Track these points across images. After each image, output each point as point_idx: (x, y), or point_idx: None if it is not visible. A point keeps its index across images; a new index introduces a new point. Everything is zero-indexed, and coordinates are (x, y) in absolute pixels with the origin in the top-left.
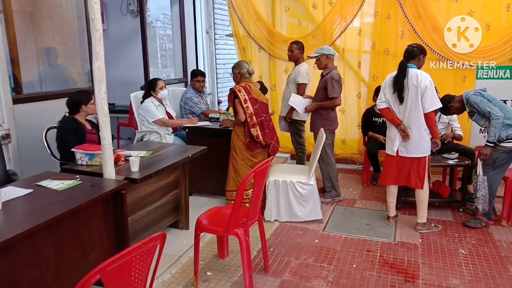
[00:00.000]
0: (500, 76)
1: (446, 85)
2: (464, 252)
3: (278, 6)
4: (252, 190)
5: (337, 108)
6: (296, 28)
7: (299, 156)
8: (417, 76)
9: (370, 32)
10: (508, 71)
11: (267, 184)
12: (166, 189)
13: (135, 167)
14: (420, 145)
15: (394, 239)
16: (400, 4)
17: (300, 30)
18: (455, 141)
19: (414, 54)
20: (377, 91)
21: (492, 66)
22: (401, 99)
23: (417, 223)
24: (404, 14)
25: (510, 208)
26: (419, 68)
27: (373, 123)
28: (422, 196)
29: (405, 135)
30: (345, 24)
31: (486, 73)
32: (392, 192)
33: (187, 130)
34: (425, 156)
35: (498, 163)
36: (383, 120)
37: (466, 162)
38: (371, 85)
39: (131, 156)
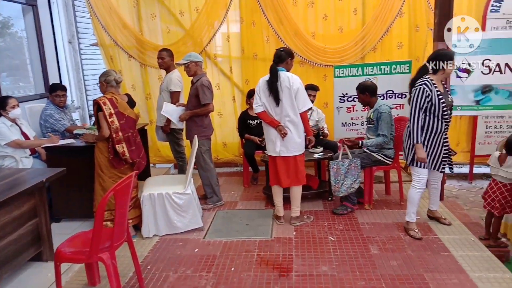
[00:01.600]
0: (353, 74)
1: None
2: (333, 239)
3: (144, 13)
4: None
5: (215, 113)
6: (165, 35)
7: (180, 165)
8: (289, 78)
9: (238, 38)
10: (360, 69)
11: (141, 199)
12: (22, 219)
13: None
14: (299, 143)
15: (271, 235)
16: (262, 10)
17: (170, 37)
18: (321, 137)
19: (282, 58)
20: (249, 94)
21: (346, 65)
22: (277, 101)
23: (291, 217)
24: (267, 20)
25: (370, 192)
26: (288, 70)
27: (248, 125)
28: (297, 192)
29: (284, 134)
30: (213, 30)
31: (342, 72)
32: (279, 192)
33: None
34: (303, 153)
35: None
36: (257, 122)
37: (329, 154)
38: (245, 89)
39: None
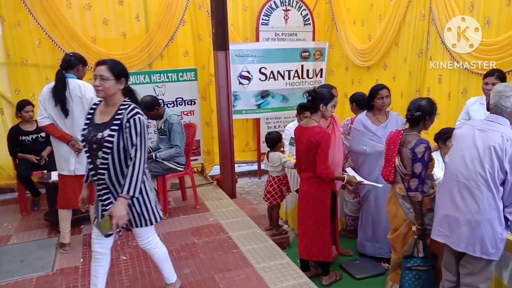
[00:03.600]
0: (141, 82)
1: None
2: (125, 258)
3: None
4: None
5: None
6: None
7: None
8: (80, 87)
9: (1, 41)
10: (147, 76)
11: None
12: None
13: None
14: None
15: (53, 268)
16: (29, 10)
17: None
18: None
19: (72, 64)
20: (19, 106)
21: (132, 72)
22: (65, 112)
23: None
24: (37, 21)
25: (165, 202)
26: (80, 78)
27: (21, 142)
28: (62, 214)
29: (78, 150)
30: None
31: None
32: (67, 216)
33: None
34: None
35: None
36: (32, 138)
37: None
38: (14, 100)
39: None
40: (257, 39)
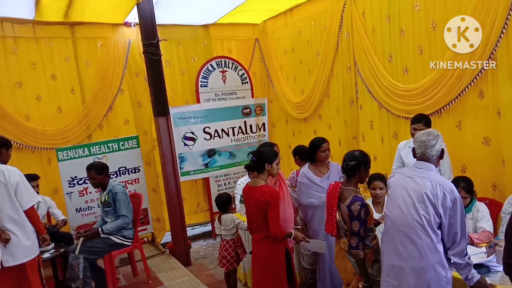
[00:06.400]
0: (80, 155)
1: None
2: None
3: None
4: None
5: None
6: None
7: None
8: (3, 172)
9: None
10: (85, 149)
11: None
12: None
13: None
14: (28, 246)
15: None
16: None
17: None
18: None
19: None
20: None
21: (69, 147)
22: None
23: None
24: None
25: (113, 281)
26: (4, 162)
27: None
28: None
29: (5, 240)
30: None
31: (67, 154)
32: None
33: None
34: (36, 256)
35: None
36: None
37: (61, 250)
38: None
39: None
40: (198, 101)
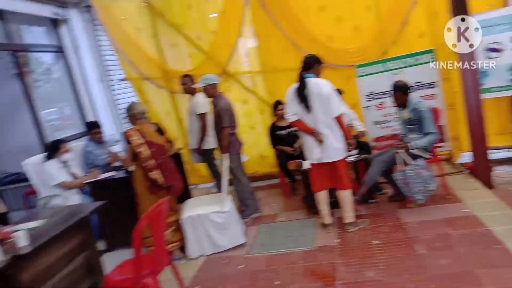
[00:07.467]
0: (377, 71)
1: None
2: (377, 242)
3: (164, 43)
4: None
5: (248, 127)
6: (187, 61)
7: (218, 184)
8: (318, 84)
9: (257, 52)
10: (382, 65)
11: (182, 221)
12: (73, 253)
13: (21, 242)
14: (338, 148)
15: (314, 245)
16: (276, 23)
17: (192, 62)
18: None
19: (309, 64)
20: (275, 105)
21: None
22: (308, 108)
23: (346, 224)
24: (282, 31)
25: None
26: (317, 76)
27: (277, 136)
28: (347, 196)
29: (320, 140)
30: (231, 49)
31: (364, 71)
32: (323, 199)
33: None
34: (344, 158)
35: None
36: (287, 132)
37: (363, 156)
38: (270, 101)
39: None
40: (506, 4)
